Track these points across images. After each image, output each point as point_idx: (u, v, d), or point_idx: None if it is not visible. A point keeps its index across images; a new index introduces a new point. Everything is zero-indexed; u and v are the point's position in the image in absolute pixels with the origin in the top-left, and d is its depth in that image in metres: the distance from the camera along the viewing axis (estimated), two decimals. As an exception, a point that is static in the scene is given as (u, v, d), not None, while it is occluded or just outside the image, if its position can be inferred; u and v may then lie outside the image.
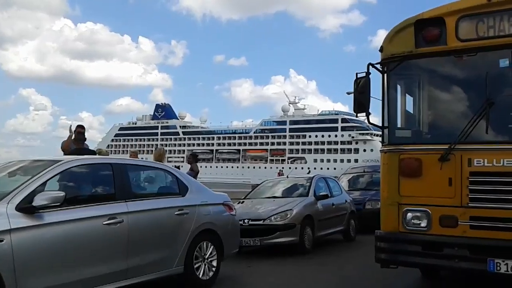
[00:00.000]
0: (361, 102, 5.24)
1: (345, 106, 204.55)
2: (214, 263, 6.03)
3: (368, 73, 5.16)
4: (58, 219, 4.28)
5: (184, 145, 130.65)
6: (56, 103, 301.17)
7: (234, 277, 6.74)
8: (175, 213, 5.60)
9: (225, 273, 6.42)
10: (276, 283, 6.54)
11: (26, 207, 4.08)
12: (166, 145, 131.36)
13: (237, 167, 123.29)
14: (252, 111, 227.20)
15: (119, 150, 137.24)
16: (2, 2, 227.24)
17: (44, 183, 4.36)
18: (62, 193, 4.22)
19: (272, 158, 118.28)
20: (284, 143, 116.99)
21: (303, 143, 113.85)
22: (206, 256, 5.92)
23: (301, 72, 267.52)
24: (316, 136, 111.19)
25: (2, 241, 3.82)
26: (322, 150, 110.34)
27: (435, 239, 4.85)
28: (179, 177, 6.07)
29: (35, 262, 4.06)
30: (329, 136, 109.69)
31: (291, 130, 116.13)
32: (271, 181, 11.61)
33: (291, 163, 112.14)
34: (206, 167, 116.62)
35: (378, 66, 5.26)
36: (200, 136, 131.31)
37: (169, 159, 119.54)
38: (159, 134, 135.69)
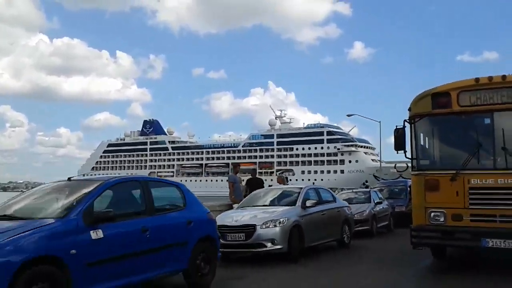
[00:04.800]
0: (400, 144, 7.68)
1: (324, 117, 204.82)
2: (349, 236, 11.62)
3: (404, 126, 7.69)
4: (315, 210, 10.07)
5: (173, 159, 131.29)
6: (33, 119, 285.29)
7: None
8: (336, 210, 11.31)
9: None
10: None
11: (304, 206, 9.74)
12: (155, 160, 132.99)
13: (227, 180, 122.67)
14: (232, 124, 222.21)
15: (109, 166, 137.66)
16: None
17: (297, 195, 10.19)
18: (315, 200, 9.89)
19: (260, 171, 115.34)
20: (272, 156, 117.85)
21: (291, 156, 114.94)
22: (346, 233, 11.52)
23: (279, 84, 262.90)
24: (303, 148, 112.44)
25: (302, 218, 9.40)
26: (309, 162, 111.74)
27: (449, 228, 7.12)
28: (332, 193, 11.80)
29: (309, 229, 9.58)
30: (316, 148, 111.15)
31: (278, 143, 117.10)
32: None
33: (279, 175, 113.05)
34: (196, 181, 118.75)
35: (408, 120, 7.69)
36: (189, 150, 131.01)
37: (159, 174, 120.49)
38: (148, 149, 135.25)
